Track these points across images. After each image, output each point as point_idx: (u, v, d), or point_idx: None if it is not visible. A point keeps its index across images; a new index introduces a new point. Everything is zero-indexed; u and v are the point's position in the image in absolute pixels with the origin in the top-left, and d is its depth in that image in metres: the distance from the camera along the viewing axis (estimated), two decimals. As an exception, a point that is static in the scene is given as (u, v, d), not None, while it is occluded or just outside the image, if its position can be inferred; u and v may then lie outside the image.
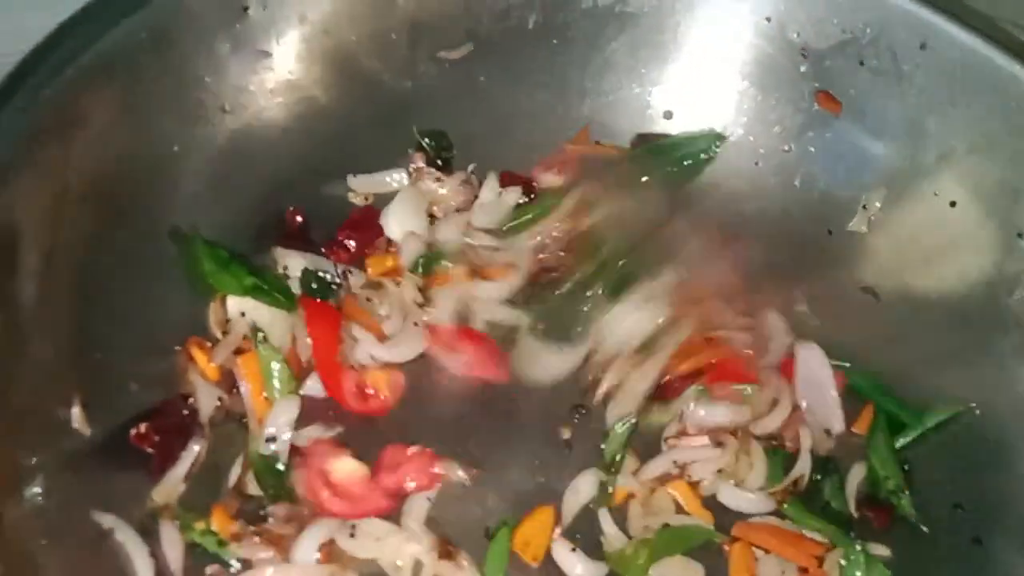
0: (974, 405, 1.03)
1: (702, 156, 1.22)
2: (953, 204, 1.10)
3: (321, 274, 1.07)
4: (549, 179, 1.20)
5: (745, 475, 1.00)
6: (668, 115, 1.25)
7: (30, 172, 0.81)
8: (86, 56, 0.86)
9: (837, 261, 1.16)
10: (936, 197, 1.11)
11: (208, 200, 1.02)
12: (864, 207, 1.16)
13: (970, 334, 1.05)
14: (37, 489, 0.77)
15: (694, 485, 0.99)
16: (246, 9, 1.00)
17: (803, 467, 1.00)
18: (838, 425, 1.05)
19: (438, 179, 1.17)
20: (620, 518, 0.96)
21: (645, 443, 1.01)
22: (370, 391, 1.00)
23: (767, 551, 0.95)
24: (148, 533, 0.83)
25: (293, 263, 1.06)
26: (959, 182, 1.09)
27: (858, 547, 0.94)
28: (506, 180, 1.19)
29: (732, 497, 0.98)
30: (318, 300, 1.03)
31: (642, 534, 0.94)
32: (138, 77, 0.93)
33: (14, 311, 0.79)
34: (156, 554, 0.82)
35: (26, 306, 0.80)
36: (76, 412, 0.83)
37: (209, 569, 0.85)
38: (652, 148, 1.22)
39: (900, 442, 1.03)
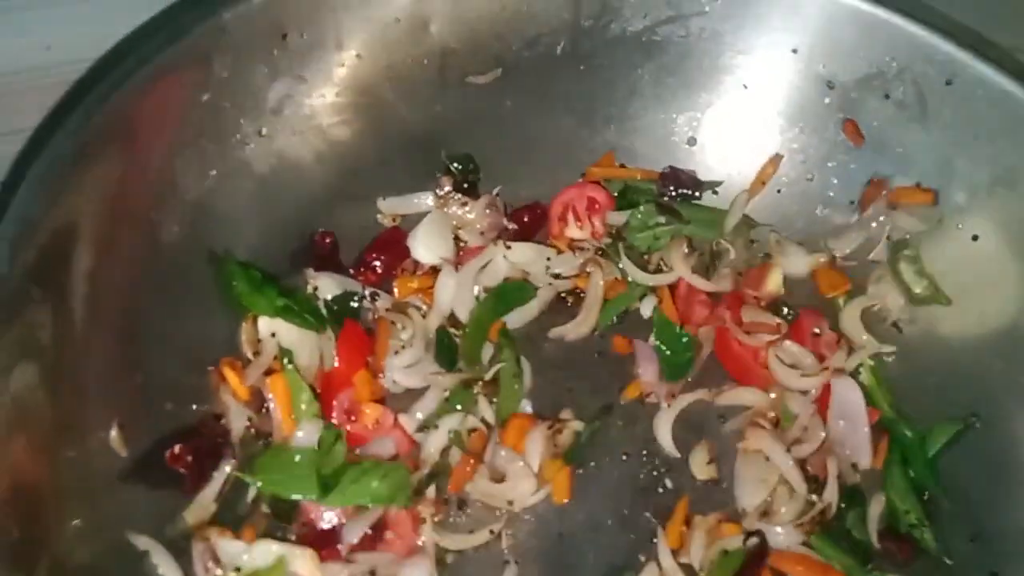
0: (974, 419, 1.03)
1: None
2: (975, 238, 1.10)
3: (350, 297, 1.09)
4: (574, 232, 1.22)
5: (783, 506, 1.01)
6: (692, 142, 1.26)
7: (81, 190, 0.83)
8: (132, 81, 0.88)
9: (859, 291, 1.17)
10: (959, 230, 1.11)
11: (243, 222, 1.04)
12: (888, 237, 1.17)
13: (986, 367, 1.05)
14: (85, 506, 0.78)
15: (738, 519, 1.02)
16: (284, 36, 1.02)
17: (830, 496, 1.02)
18: (865, 460, 1.06)
19: (464, 203, 1.19)
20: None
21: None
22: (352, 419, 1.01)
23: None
24: (181, 552, 0.85)
25: (323, 284, 1.08)
26: (983, 217, 1.09)
27: (876, 577, 0.95)
28: (518, 216, 1.21)
29: (769, 531, 1.00)
30: (352, 322, 1.05)
31: (706, 564, 0.97)
32: (180, 102, 0.94)
33: (61, 327, 0.81)
34: (188, 573, 0.83)
35: (72, 323, 0.82)
36: (114, 434, 0.85)
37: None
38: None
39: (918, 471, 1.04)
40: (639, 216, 1.20)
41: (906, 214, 1.15)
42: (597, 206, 1.22)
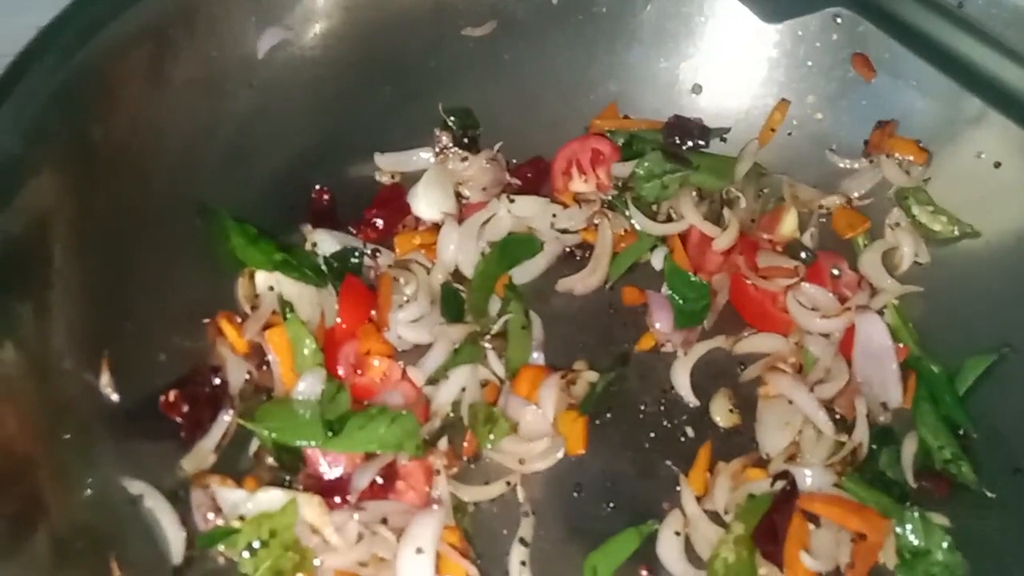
0: (1007, 348, 0.99)
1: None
2: (998, 165, 1.06)
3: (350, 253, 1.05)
4: (578, 185, 1.18)
5: (810, 448, 0.97)
6: (697, 89, 1.22)
7: (59, 136, 0.80)
8: (115, 23, 0.85)
9: (878, 231, 1.13)
10: (979, 159, 1.07)
11: (235, 176, 1.01)
12: (907, 172, 1.13)
13: (1018, 293, 1.01)
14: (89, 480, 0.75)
15: (763, 465, 0.98)
16: (272, -16, 1.00)
17: (860, 436, 0.97)
18: (896, 399, 1.02)
19: (463, 158, 1.16)
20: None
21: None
22: (359, 372, 0.98)
23: (818, 524, 0.92)
24: (179, 501, 0.81)
25: (322, 241, 1.05)
26: (1003, 140, 1.05)
27: (915, 514, 0.90)
28: (521, 172, 1.18)
29: (797, 473, 0.95)
30: (353, 276, 1.02)
31: (733, 508, 0.93)
32: (165, 48, 0.92)
33: (45, 275, 0.78)
34: (187, 521, 0.79)
35: (56, 270, 0.79)
36: (105, 377, 0.82)
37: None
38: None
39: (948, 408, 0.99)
40: (646, 165, 1.16)
41: (896, 165, 1.12)
42: (602, 158, 1.19)
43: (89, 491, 0.77)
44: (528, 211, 1.13)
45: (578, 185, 1.19)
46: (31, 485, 0.75)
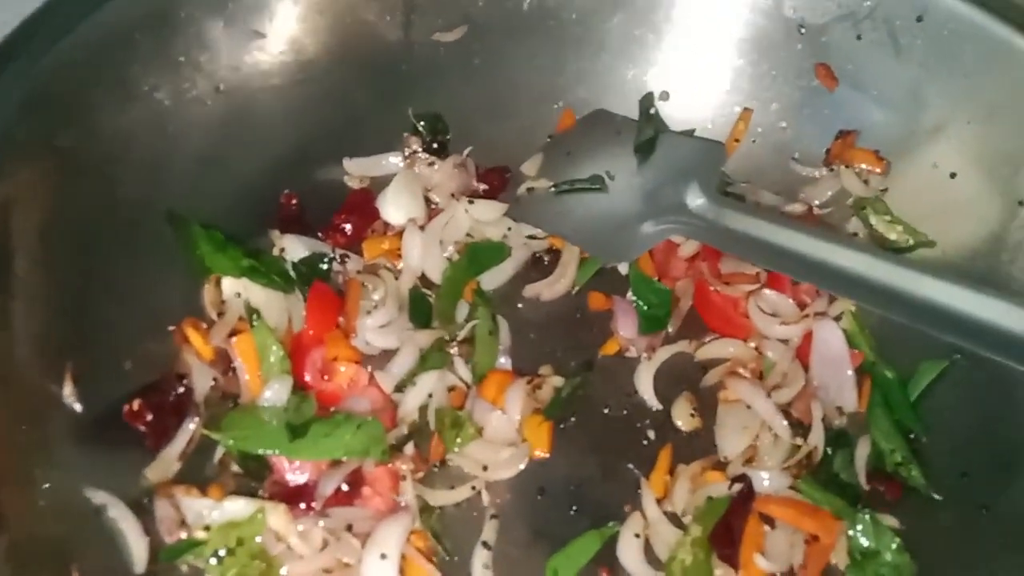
0: (958, 356, 1.02)
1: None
2: (953, 175, 1.09)
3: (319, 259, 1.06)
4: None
5: (768, 452, 1.00)
6: (664, 96, 1.24)
7: (24, 144, 0.80)
8: (81, 29, 0.85)
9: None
10: (936, 169, 1.10)
11: (204, 182, 1.01)
12: (866, 182, 1.15)
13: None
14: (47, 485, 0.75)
15: (722, 467, 1.00)
16: (240, -11, 1.00)
17: (815, 439, 1.00)
18: (851, 403, 1.04)
19: (431, 163, 1.17)
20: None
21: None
22: (326, 378, 0.99)
23: (773, 525, 0.95)
24: (143, 510, 0.82)
25: (291, 246, 1.05)
26: (959, 152, 1.08)
27: (866, 516, 0.93)
28: (485, 178, 1.19)
29: (754, 475, 0.98)
30: (321, 282, 1.02)
31: (692, 510, 0.95)
32: (132, 54, 0.92)
33: (7, 282, 0.78)
34: (150, 531, 0.80)
35: (19, 276, 0.79)
36: (68, 387, 0.82)
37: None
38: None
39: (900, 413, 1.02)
40: None
41: (855, 175, 1.15)
42: None
43: (49, 500, 0.77)
44: (486, 215, 1.14)
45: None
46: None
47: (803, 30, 1.15)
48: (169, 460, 0.87)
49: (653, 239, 1.10)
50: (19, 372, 0.78)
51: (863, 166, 1.15)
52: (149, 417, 0.86)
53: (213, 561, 0.81)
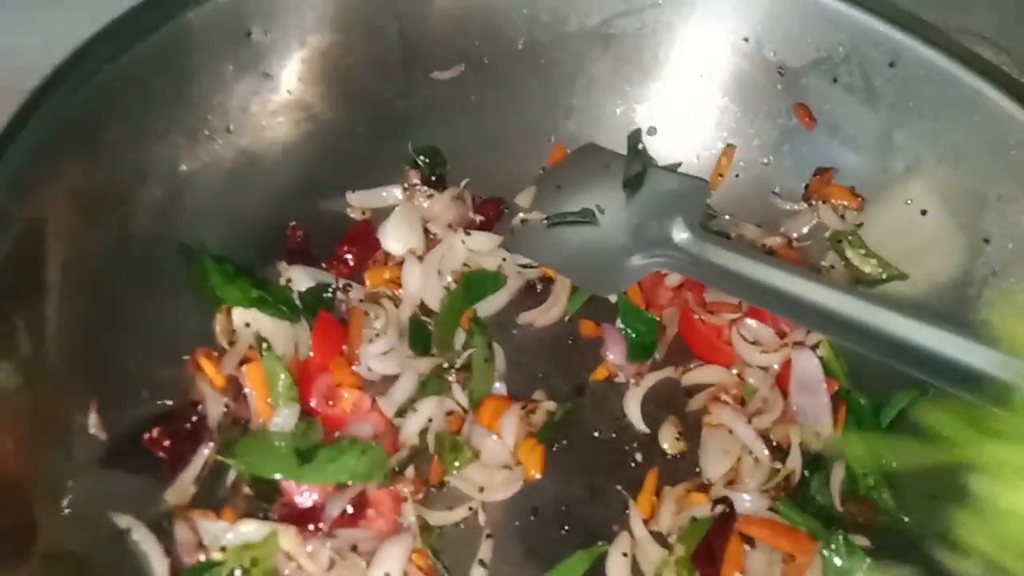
0: (929, 385, 1.06)
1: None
2: (924, 212, 1.15)
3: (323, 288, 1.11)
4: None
5: (748, 474, 1.06)
6: (652, 131, 1.30)
7: (48, 186, 0.85)
8: (99, 78, 0.90)
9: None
10: (908, 206, 1.16)
11: (214, 216, 1.06)
12: (842, 217, 1.22)
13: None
14: (71, 490, 0.80)
15: (706, 489, 1.05)
16: (249, 34, 1.05)
17: (793, 463, 1.06)
18: (826, 428, 1.10)
19: (429, 196, 1.22)
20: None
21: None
22: (331, 403, 1.03)
23: (753, 545, 1.00)
24: (163, 533, 0.87)
25: (297, 277, 1.10)
26: (929, 191, 1.14)
27: (840, 537, 0.98)
28: (483, 208, 1.24)
29: (736, 497, 1.04)
30: (326, 312, 1.08)
31: (676, 530, 1.01)
32: (148, 98, 0.97)
33: (37, 320, 0.83)
34: (171, 552, 0.85)
35: (46, 316, 0.84)
36: (93, 418, 0.87)
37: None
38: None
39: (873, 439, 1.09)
40: None
41: (832, 210, 1.21)
42: None
43: (76, 519, 0.82)
44: (482, 246, 1.20)
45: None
46: (24, 506, 0.79)
47: (783, 72, 1.21)
48: (186, 484, 0.91)
49: (640, 272, 1.16)
50: (47, 399, 0.83)
51: (840, 202, 1.22)
52: (167, 443, 0.91)
53: (229, 580, 0.86)
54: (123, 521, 0.85)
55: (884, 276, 1.18)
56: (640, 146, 1.28)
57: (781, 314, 1.10)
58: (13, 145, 0.82)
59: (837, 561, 0.98)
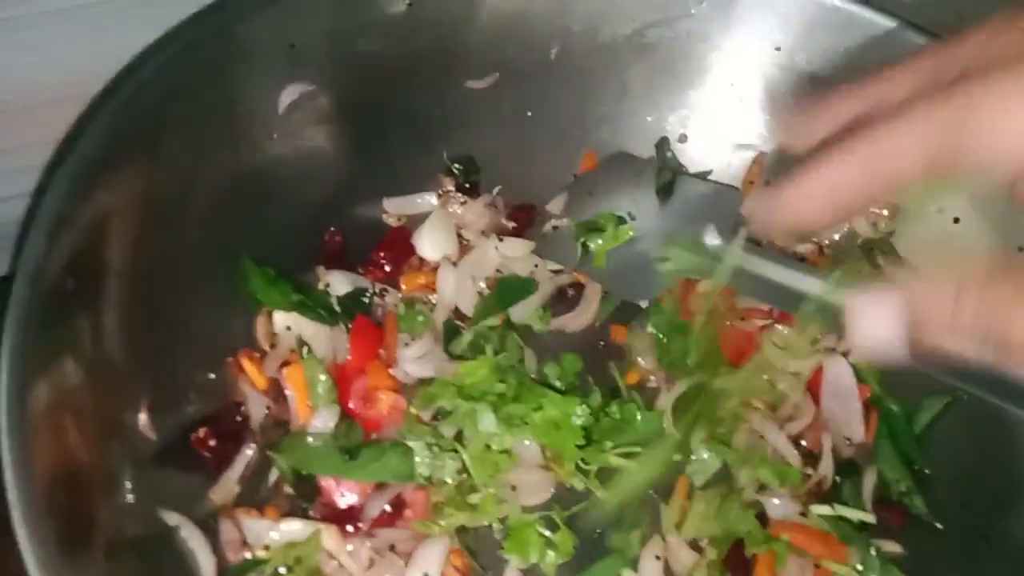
0: (961, 391, 1.07)
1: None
2: (956, 220, 1.15)
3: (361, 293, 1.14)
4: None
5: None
6: (683, 139, 1.31)
7: (109, 191, 0.88)
8: (152, 89, 0.93)
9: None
10: (940, 214, 1.17)
11: (257, 222, 1.08)
12: (874, 224, 1.22)
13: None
14: (128, 484, 0.83)
15: (737, 493, 1.06)
16: (292, 46, 1.07)
17: (825, 469, 1.06)
18: (858, 435, 1.11)
19: (463, 203, 1.24)
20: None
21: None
22: (368, 406, 1.05)
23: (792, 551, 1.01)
24: (209, 531, 0.89)
25: (335, 281, 1.13)
26: (963, 199, 1.14)
27: (873, 551, 0.99)
28: (515, 215, 1.26)
29: (767, 502, 1.05)
30: (364, 316, 1.10)
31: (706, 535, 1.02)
32: (198, 108, 1.00)
33: (98, 319, 0.86)
34: (217, 550, 0.88)
35: (105, 316, 0.87)
36: (143, 418, 0.90)
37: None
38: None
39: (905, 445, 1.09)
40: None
41: (863, 219, 1.21)
42: None
43: (131, 515, 0.85)
44: (515, 252, 1.21)
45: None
46: (86, 502, 0.82)
47: (814, 82, 1.22)
48: (230, 483, 0.94)
49: (672, 278, 1.17)
50: (104, 399, 0.86)
51: (872, 210, 1.22)
52: (212, 443, 0.94)
53: (273, 578, 0.88)
54: (172, 519, 0.87)
55: None
56: (669, 154, 1.29)
57: (808, 319, 1.11)
58: (73, 152, 0.85)
59: (871, 577, 0.98)
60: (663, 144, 1.30)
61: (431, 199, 1.25)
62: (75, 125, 0.86)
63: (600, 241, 1.19)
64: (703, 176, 1.30)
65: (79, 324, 0.84)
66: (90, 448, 0.82)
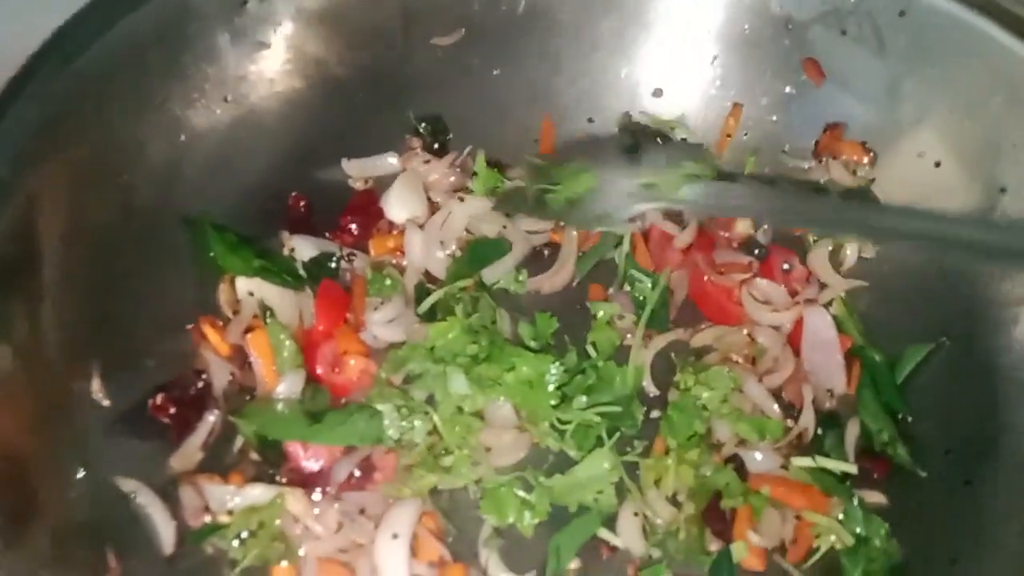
0: (944, 339, 1.06)
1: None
2: (938, 164, 1.12)
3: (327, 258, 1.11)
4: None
5: None
6: (658, 93, 1.28)
7: (45, 157, 0.85)
8: (95, 48, 0.90)
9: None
10: (921, 158, 1.14)
11: (215, 186, 1.06)
12: (854, 172, 1.19)
13: (955, 286, 1.08)
14: (80, 454, 0.81)
15: (717, 447, 1.04)
16: (244, 3, 1.04)
17: (806, 421, 1.04)
18: (840, 386, 1.09)
19: (426, 161, 1.21)
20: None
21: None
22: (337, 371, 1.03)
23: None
24: (169, 497, 0.87)
25: (300, 246, 1.10)
26: (942, 142, 1.12)
27: (855, 502, 0.97)
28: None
29: (747, 456, 1.03)
30: (330, 280, 1.07)
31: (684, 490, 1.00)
32: (144, 69, 0.97)
33: (35, 289, 0.83)
34: (177, 516, 0.86)
35: (46, 289, 0.84)
36: (96, 384, 0.88)
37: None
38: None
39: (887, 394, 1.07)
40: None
41: (843, 167, 1.18)
42: None
43: (83, 489, 0.83)
44: (479, 210, 1.18)
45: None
46: (27, 481, 0.80)
47: (790, 26, 1.18)
48: (192, 450, 0.92)
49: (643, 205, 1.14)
50: (49, 371, 0.84)
51: (851, 157, 1.19)
52: (172, 410, 0.91)
53: (236, 543, 0.87)
54: (127, 485, 0.85)
55: None
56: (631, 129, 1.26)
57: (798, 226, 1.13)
58: (6, 119, 0.82)
59: (856, 529, 0.96)
60: (625, 119, 1.26)
61: (392, 159, 1.21)
62: (6, 90, 0.83)
63: (559, 188, 1.15)
64: (672, 125, 1.26)
65: (18, 295, 0.81)
66: (33, 426, 0.80)
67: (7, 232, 0.82)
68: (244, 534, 0.86)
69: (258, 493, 0.88)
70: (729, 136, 1.25)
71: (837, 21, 1.15)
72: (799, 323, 1.12)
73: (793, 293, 1.15)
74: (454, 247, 1.17)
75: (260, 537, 0.86)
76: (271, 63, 1.10)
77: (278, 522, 0.88)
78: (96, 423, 0.87)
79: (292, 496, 0.88)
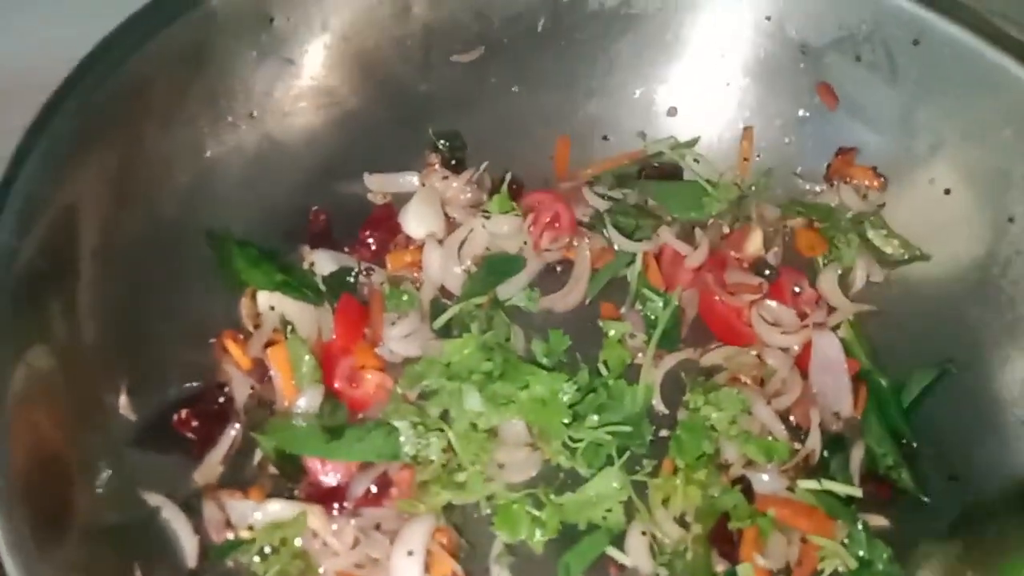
0: (950, 364, 1.08)
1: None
2: (948, 191, 1.14)
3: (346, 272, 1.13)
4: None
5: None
6: (672, 112, 1.29)
7: (83, 172, 0.87)
8: (129, 66, 0.92)
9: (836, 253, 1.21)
10: (931, 185, 1.15)
11: (239, 201, 1.08)
12: (864, 197, 1.21)
13: (962, 314, 1.10)
14: (107, 467, 0.83)
15: (724, 468, 1.05)
16: (271, 20, 1.06)
17: (812, 443, 1.06)
18: (847, 409, 1.10)
19: (444, 177, 1.22)
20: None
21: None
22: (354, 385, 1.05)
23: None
24: (193, 512, 0.89)
25: (320, 261, 1.12)
26: (953, 170, 1.13)
27: (860, 525, 0.99)
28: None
29: (754, 477, 1.04)
30: (349, 295, 1.09)
31: (692, 510, 1.01)
32: (174, 84, 0.98)
33: (70, 304, 0.85)
34: (200, 530, 0.88)
35: (79, 300, 0.86)
36: (123, 399, 0.90)
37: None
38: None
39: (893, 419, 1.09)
40: (619, 214, 1.23)
41: (854, 191, 1.20)
42: (557, 225, 1.22)
43: (111, 498, 0.85)
44: (502, 229, 1.20)
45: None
46: (62, 485, 0.82)
47: (805, 51, 1.20)
48: (214, 464, 0.94)
49: None
50: (84, 376, 0.86)
51: (862, 182, 1.21)
52: (195, 424, 0.93)
53: (257, 559, 0.89)
54: (153, 499, 0.87)
55: (906, 257, 1.17)
56: None
57: None
58: (44, 134, 0.84)
59: (859, 552, 0.98)
60: None
61: (412, 176, 1.23)
62: (45, 106, 0.85)
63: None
64: (690, 145, 1.27)
65: (53, 307, 0.83)
66: (67, 432, 0.81)
67: (43, 244, 0.84)
68: (266, 550, 0.88)
69: (279, 509, 0.90)
70: (747, 159, 1.27)
71: (852, 48, 1.16)
72: (807, 345, 1.14)
73: (802, 315, 1.17)
74: (469, 262, 1.19)
75: (282, 553, 0.88)
76: (296, 80, 1.12)
77: (299, 538, 0.90)
78: (122, 436, 0.89)
79: (313, 512, 0.90)
